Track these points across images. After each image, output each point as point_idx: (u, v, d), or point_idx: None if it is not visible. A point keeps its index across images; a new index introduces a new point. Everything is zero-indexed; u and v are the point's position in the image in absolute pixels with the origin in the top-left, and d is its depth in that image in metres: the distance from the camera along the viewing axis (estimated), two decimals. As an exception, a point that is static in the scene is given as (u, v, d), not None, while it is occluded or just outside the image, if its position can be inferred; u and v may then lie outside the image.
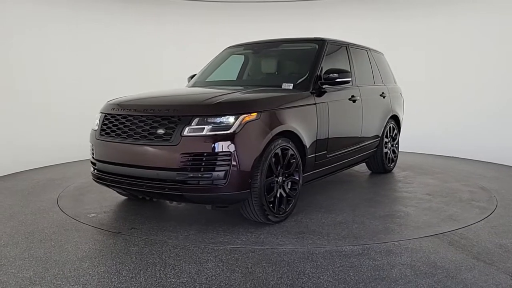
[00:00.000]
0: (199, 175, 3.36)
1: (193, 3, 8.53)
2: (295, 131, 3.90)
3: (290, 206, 3.93)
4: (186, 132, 3.39)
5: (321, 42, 4.77)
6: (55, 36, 7.05)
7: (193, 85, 5.12)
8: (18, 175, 6.06)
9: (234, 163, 3.37)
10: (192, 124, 3.40)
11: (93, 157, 4.01)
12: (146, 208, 4.34)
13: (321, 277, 2.77)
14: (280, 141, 3.73)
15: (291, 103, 3.98)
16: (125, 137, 3.65)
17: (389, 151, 6.11)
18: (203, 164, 3.36)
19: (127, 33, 8.01)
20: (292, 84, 4.32)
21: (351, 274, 2.81)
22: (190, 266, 2.92)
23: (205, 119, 3.42)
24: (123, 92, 4.85)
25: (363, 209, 4.28)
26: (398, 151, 6.41)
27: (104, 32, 7.71)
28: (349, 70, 4.47)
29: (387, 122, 5.92)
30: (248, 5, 8.68)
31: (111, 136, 3.77)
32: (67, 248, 3.24)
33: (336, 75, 4.30)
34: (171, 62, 8.31)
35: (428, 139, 7.87)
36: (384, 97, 5.79)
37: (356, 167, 6.29)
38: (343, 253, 3.16)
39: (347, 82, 4.41)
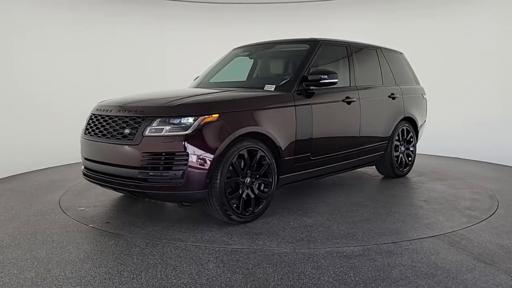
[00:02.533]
0: (159, 173, 3.48)
1: (198, 5, 8.55)
2: (265, 133, 3.89)
3: (260, 207, 3.93)
4: (147, 132, 3.54)
5: (313, 43, 4.72)
6: (56, 37, 7.08)
7: (195, 86, 5.16)
8: (20, 176, 6.08)
9: (191, 163, 3.46)
10: (153, 125, 3.55)
11: (81, 155, 4.22)
12: (134, 204, 4.50)
13: (322, 278, 2.77)
14: (245, 142, 3.74)
15: (261, 105, 3.98)
16: (100, 136, 3.88)
17: (402, 155, 5.81)
18: (161, 163, 3.49)
19: (128, 34, 8.04)
20: (274, 86, 4.31)
21: (352, 275, 2.82)
22: (191, 267, 2.93)
23: (166, 120, 3.55)
24: (124, 94, 4.87)
25: (342, 213, 4.18)
26: (414, 155, 6.04)
27: (105, 33, 7.74)
28: (336, 71, 4.35)
29: (398, 124, 5.66)
30: (256, 6, 8.69)
31: (91, 135, 4.01)
32: (69, 249, 3.26)
33: (324, 76, 4.23)
34: (173, 63, 8.33)
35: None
36: (394, 98, 5.56)
37: (371, 171, 6.15)
38: (344, 254, 3.17)
39: (333, 83, 4.31)
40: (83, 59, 7.41)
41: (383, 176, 5.93)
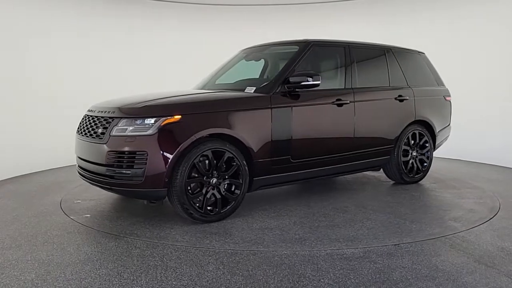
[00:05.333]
0: (123, 171, 3.68)
1: (201, 6, 8.55)
2: (232, 134, 3.94)
3: (227, 208, 3.98)
4: (113, 132, 3.75)
5: (303, 45, 4.68)
6: (59, 39, 7.10)
7: (199, 87, 5.18)
8: (22, 177, 6.10)
9: (150, 162, 3.62)
10: (119, 125, 3.76)
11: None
12: (127, 201, 4.67)
13: (322, 280, 2.77)
14: (209, 143, 3.82)
15: (228, 107, 4.02)
16: (84, 135, 4.12)
17: (413, 161, 5.48)
18: (124, 161, 3.68)
19: (131, 35, 8.06)
20: (254, 88, 4.33)
21: (352, 277, 2.81)
22: (191, 269, 2.93)
23: (131, 121, 3.74)
24: (125, 95, 4.87)
25: (314, 217, 4.09)
26: (430, 161, 5.65)
27: (108, 35, 7.75)
28: (319, 73, 4.29)
29: (408, 127, 5.37)
30: (261, 8, 8.69)
31: (79, 134, 4.26)
32: (69, 251, 3.26)
33: (306, 78, 4.20)
34: (175, 64, 8.34)
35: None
36: (402, 101, 5.31)
37: (384, 176, 5.75)
38: (344, 256, 3.17)
39: (315, 85, 4.26)
40: (86, 61, 7.42)
41: (394, 182, 5.62)
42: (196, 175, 3.80)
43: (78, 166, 4.30)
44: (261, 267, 2.96)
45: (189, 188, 3.77)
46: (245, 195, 4.11)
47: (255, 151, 4.07)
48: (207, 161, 3.83)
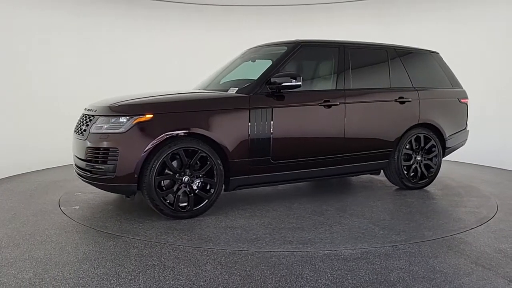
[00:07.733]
0: (98, 166, 3.90)
1: (202, 7, 8.56)
2: (205, 134, 4.02)
3: (200, 205, 4.06)
4: (92, 129, 3.97)
5: (292, 45, 4.68)
6: (58, 39, 7.10)
7: (198, 87, 5.19)
8: (20, 176, 6.10)
9: (121, 159, 3.79)
10: (97, 123, 3.97)
11: None
12: (122, 196, 4.76)
13: (319, 281, 2.77)
14: (181, 142, 3.93)
15: (201, 107, 4.11)
16: (76, 132, 4.32)
17: (417, 166, 5.25)
18: (99, 157, 3.90)
19: (131, 36, 8.06)
20: (236, 88, 4.38)
21: (349, 278, 2.82)
22: (189, 269, 2.93)
23: (108, 119, 3.93)
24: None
25: (287, 219, 4.07)
26: (437, 167, 5.36)
27: (108, 35, 7.76)
28: (300, 74, 4.27)
29: (409, 131, 5.14)
30: (262, 8, 8.69)
31: (74, 132, 4.41)
32: (67, 250, 3.26)
33: (287, 79, 4.21)
34: (177, 65, 8.34)
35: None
36: (403, 103, 5.08)
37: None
38: (342, 256, 3.17)
39: (296, 86, 4.24)
40: (86, 60, 7.42)
41: (398, 187, 5.37)
42: (170, 172, 3.94)
43: (74, 163, 4.41)
44: (259, 267, 2.97)
45: (162, 184, 3.93)
46: (220, 194, 4.18)
47: (231, 151, 4.13)
48: (178, 159, 3.95)
